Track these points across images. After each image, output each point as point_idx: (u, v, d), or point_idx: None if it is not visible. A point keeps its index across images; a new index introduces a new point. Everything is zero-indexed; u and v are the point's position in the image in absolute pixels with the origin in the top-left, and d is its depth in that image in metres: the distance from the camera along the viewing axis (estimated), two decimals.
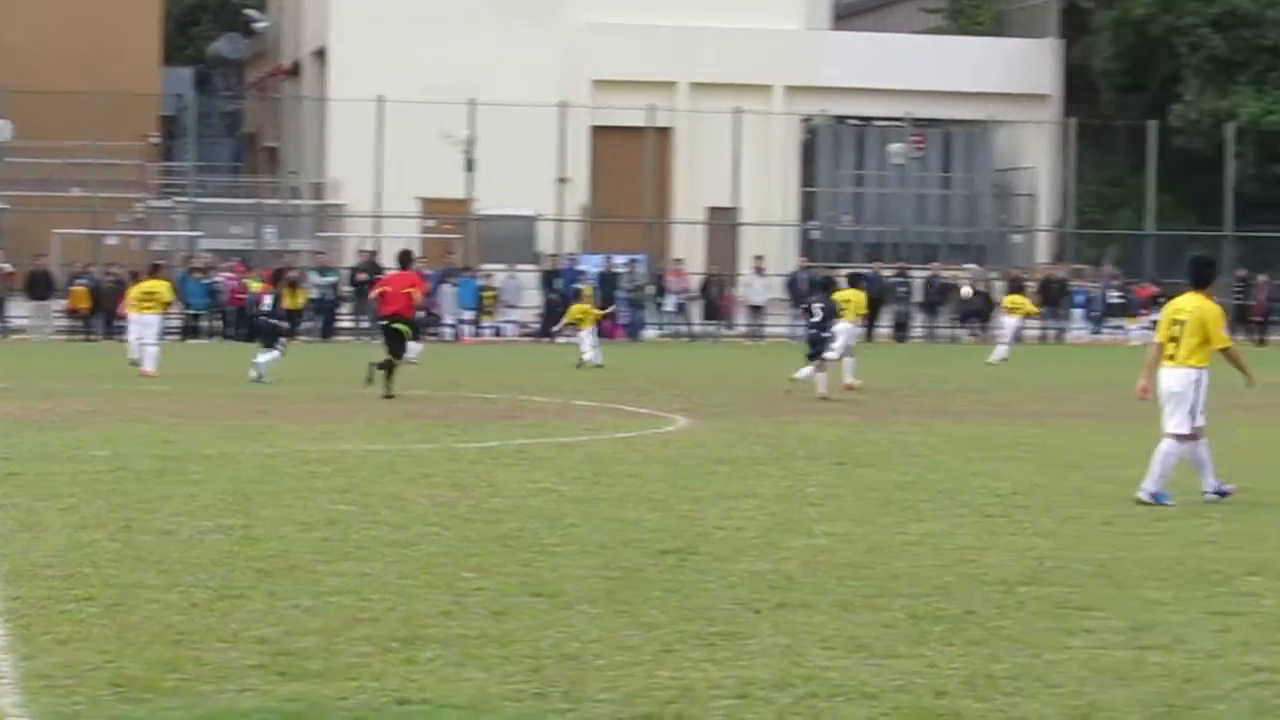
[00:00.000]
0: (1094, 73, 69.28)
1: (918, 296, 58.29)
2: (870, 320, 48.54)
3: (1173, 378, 16.46)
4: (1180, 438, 16.37)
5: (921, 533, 14.49)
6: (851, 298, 32.72)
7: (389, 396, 28.51)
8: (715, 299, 57.10)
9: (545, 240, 60.47)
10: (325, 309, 53.68)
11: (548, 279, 55.83)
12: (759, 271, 57.57)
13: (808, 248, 63.30)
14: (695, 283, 57.43)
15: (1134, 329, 57.90)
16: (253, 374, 32.52)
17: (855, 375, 31.92)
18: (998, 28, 74.20)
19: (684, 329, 57.28)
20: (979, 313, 57.88)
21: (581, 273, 55.13)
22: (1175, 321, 16.56)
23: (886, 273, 57.48)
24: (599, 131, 62.96)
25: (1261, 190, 65.85)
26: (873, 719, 8.68)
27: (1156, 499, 16.29)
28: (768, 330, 57.22)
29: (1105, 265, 62.67)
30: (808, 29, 67.79)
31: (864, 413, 27.15)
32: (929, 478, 18.40)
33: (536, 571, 12.48)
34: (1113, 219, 66.97)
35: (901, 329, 57.42)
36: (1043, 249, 67.49)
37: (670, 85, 64.06)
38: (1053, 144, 67.86)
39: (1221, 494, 16.54)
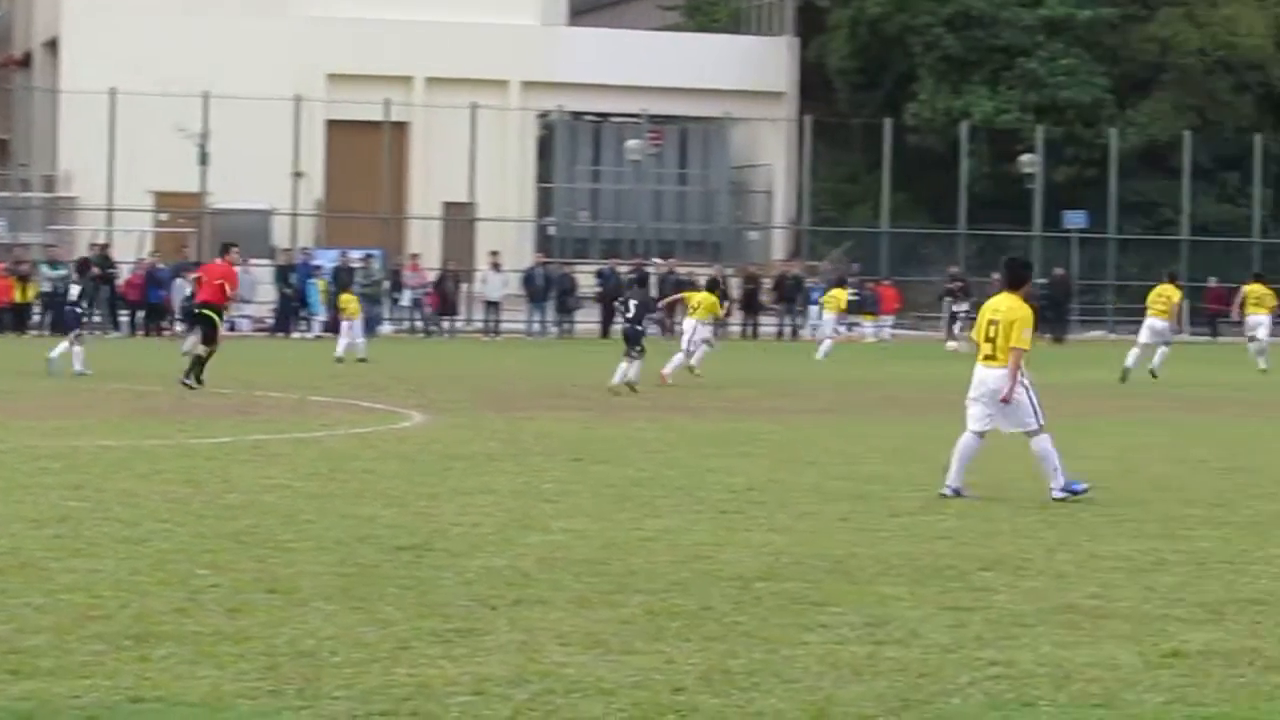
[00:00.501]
0: (830, 71, 70.20)
1: (654, 293, 58.54)
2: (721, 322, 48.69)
3: (994, 378, 16.70)
4: (1032, 433, 16.65)
5: (658, 529, 14.54)
6: (704, 300, 34.85)
7: (192, 385, 29.01)
8: (450, 294, 56.93)
9: (280, 235, 59.81)
10: (56, 302, 52.54)
11: (282, 274, 55.23)
12: (495, 267, 57.47)
13: (544, 244, 63.35)
14: (431, 277, 57.20)
15: (868, 327, 58.82)
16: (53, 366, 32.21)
17: (698, 366, 33.99)
18: (734, 25, 74.87)
19: (419, 324, 57.04)
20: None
21: (317, 268, 54.67)
22: (990, 321, 16.86)
23: (623, 269, 57.68)
24: (334, 126, 62.45)
25: (994, 189, 67.24)
26: (609, 715, 8.67)
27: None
28: (504, 326, 57.15)
29: (830, 262, 63.44)
30: (544, 25, 67.80)
31: (600, 409, 27.21)
32: (665, 474, 18.48)
33: (271, 568, 12.33)
34: (848, 216, 67.94)
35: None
36: (779, 246, 68.24)
37: (406, 80, 63.76)
38: (789, 141, 68.59)
39: (1073, 492, 16.64)
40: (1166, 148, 68.53)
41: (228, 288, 31.27)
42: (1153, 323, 38.62)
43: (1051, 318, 58.60)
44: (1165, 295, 38.73)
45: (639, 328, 31.12)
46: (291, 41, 61.89)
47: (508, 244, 61.00)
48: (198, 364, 29.81)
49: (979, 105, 66.92)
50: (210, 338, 30.16)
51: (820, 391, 32.05)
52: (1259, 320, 41.82)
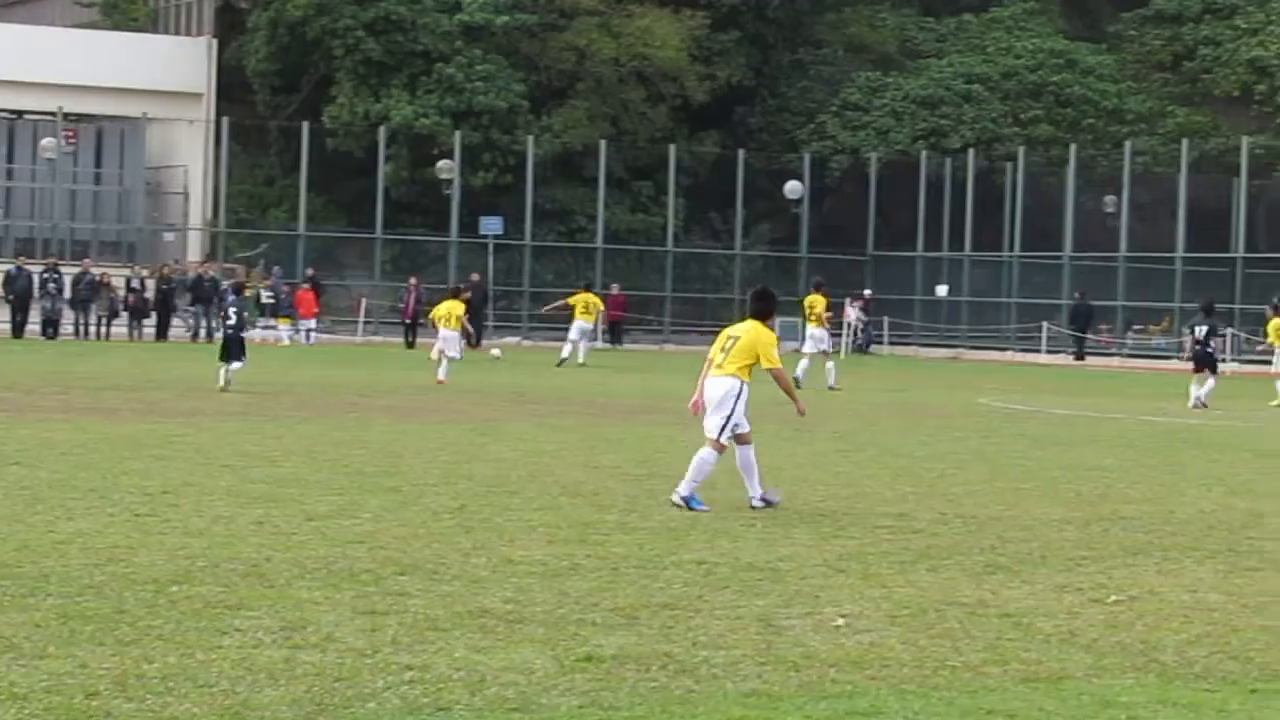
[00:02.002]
0: (249, 73, 69.53)
1: (68, 293, 57.02)
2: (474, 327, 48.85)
3: (717, 386, 17.18)
4: (716, 445, 17.02)
5: (72, 531, 14.17)
6: (453, 309, 37.95)
7: None
8: None
9: None
10: None
11: None
12: None
13: None
14: None
15: (283, 330, 58.38)
16: None
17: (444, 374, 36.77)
18: (153, 25, 73.46)
19: None
20: (136, 310, 57.25)
21: None
22: (730, 337, 17.54)
23: (36, 268, 55.97)
24: None
25: (413, 193, 67.67)
26: None
27: (689, 503, 16.84)
28: None
29: (248, 263, 62.95)
30: None
31: (13, 409, 26.39)
32: (80, 476, 18.02)
33: None
34: (265, 219, 67.43)
35: (51, 326, 56.00)
36: (194, 247, 67.24)
37: None
38: (206, 143, 67.67)
39: (768, 502, 17.13)
40: (582, 156, 70.10)
41: None
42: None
43: (469, 322, 59.31)
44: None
45: (241, 334, 33.02)
46: None
47: None
48: None
49: (398, 109, 67.21)
50: None
51: (237, 395, 31.63)
52: (817, 333, 41.30)
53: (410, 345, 57.74)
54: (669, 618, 11.47)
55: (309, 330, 59.60)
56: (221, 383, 31.98)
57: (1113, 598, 12.59)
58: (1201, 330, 38.43)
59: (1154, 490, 20.05)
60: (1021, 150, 70.63)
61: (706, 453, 17.10)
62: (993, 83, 75.52)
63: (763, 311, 17.81)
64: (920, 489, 19.42)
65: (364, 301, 64.71)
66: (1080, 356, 64.08)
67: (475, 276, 61.97)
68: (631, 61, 71.53)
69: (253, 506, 16.17)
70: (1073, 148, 69.12)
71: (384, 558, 13.45)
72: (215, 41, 69.52)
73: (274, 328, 58.43)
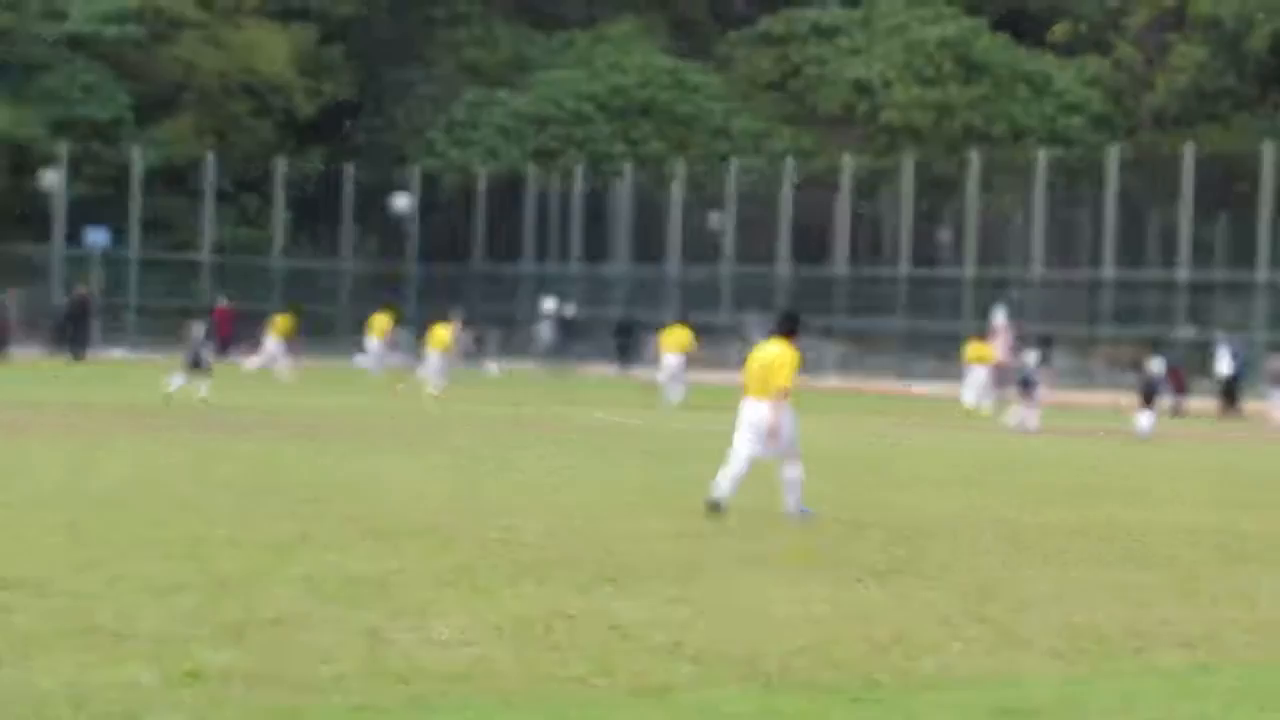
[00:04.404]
0: None
1: None
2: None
3: (760, 411, 18.83)
4: (795, 457, 18.91)
5: None
6: (379, 321, 42.38)
7: None
8: None
9: None
10: None
11: None
12: None
13: None
14: None
15: None
16: None
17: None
18: None
19: None
20: None
21: None
22: (760, 362, 18.95)
23: None
24: None
25: (14, 204, 65.92)
26: None
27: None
28: None
29: None
30: None
31: None
32: None
33: None
34: None
35: None
36: None
37: None
38: None
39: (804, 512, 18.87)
40: (188, 168, 69.02)
41: None
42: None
43: (73, 335, 57.99)
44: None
45: (203, 353, 36.39)
46: None
47: None
48: None
49: None
50: None
51: None
52: (672, 359, 45.10)
53: None
54: (276, 633, 11.34)
55: None
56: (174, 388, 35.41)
57: (719, 610, 12.79)
58: (1034, 356, 39.92)
59: (767, 503, 20.43)
60: (629, 167, 71.57)
61: (791, 470, 18.92)
62: (601, 101, 76.42)
63: (789, 331, 19.23)
64: (534, 503, 19.52)
65: None
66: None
67: (81, 289, 60.55)
68: (239, 74, 70.67)
69: None
70: (679, 164, 70.31)
71: None
72: None
73: None
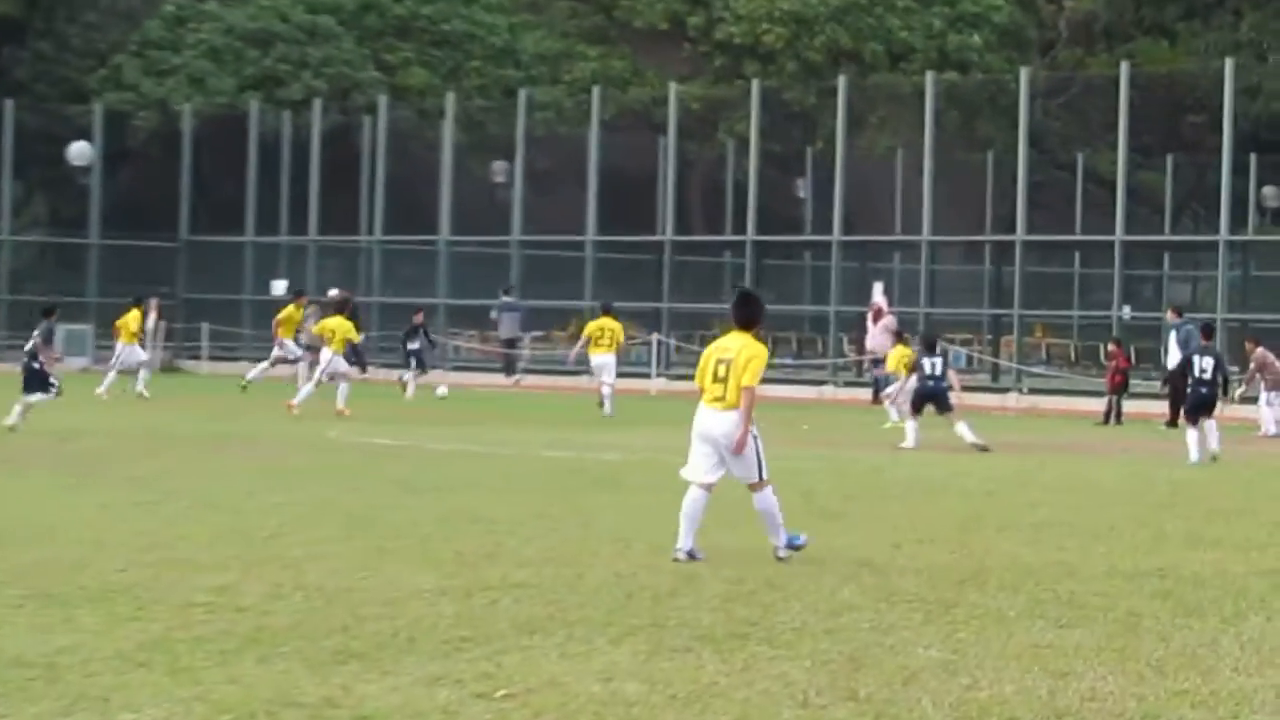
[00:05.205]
0: None
1: None
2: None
3: (723, 422, 19.35)
4: (764, 486, 19.53)
5: None
6: (337, 327, 45.47)
7: None
8: None
9: None
10: None
11: None
12: None
13: None
14: None
15: None
16: None
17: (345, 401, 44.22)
18: None
19: None
20: None
21: None
22: (720, 360, 19.44)
23: None
24: None
25: None
26: None
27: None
28: None
29: None
30: None
31: None
32: None
33: None
34: None
35: None
36: None
37: None
38: None
39: (794, 546, 19.45)
40: None
41: None
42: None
43: None
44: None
45: (35, 364, 37.37)
46: None
47: None
48: None
49: None
50: None
51: None
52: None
53: None
54: None
55: None
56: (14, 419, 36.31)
57: (501, 692, 12.75)
58: (935, 364, 39.95)
59: (558, 548, 20.40)
60: (384, 101, 71.31)
61: (763, 497, 19.53)
62: (346, 15, 76.16)
63: (751, 320, 19.75)
64: (250, 553, 19.38)
65: None
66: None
67: None
68: None
69: None
70: (450, 98, 70.16)
71: None
72: None
73: None
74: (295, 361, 53.54)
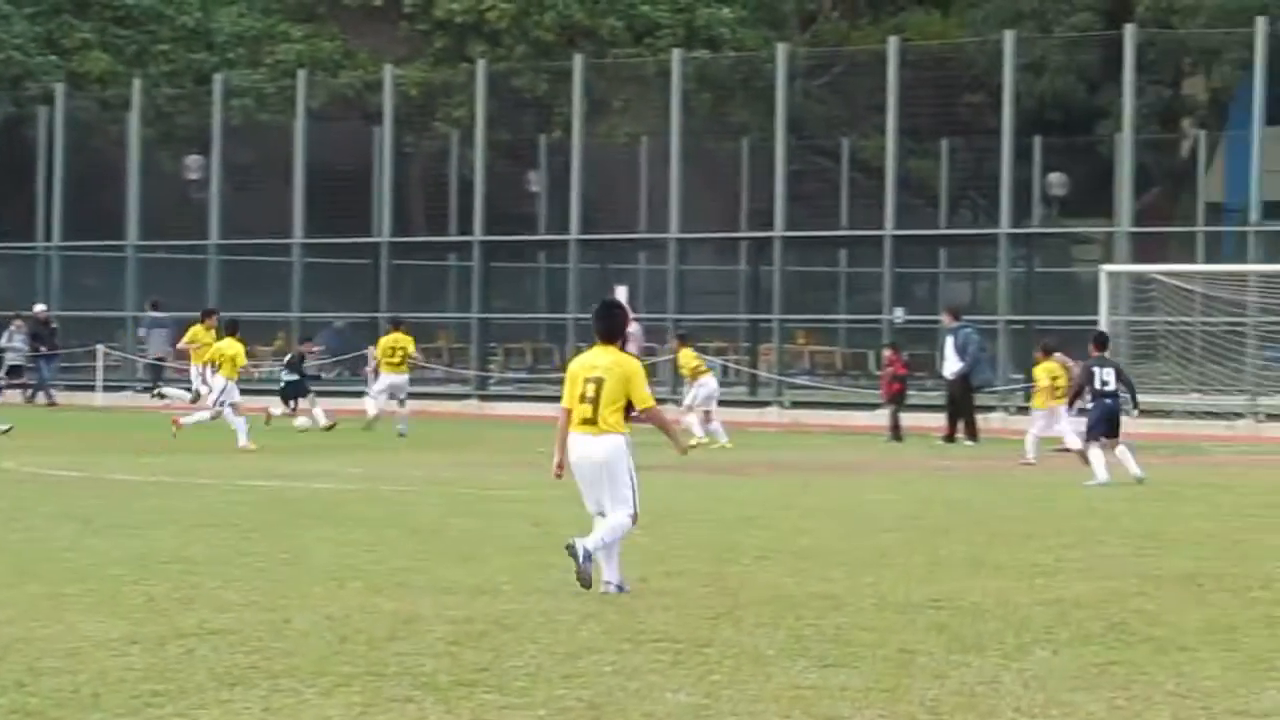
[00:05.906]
0: None
1: None
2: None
3: (596, 447, 19.73)
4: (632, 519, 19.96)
5: None
6: (229, 350, 46.78)
7: None
8: None
9: None
10: None
11: None
12: None
13: None
14: None
15: None
16: None
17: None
18: None
19: None
20: None
21: None
22: (589, 380, 19.70)
23: None
24: None
25: None
26: None
27: (621, 589, 19.87)
28: None
29: None
30: None
31: None
32: None
33: None
34: None
35: None
36: None
37: None
38: None
39: (620, 589, 20.01)
40: None
41: None
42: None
43: None
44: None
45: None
46: None
47: None
48: None
49: None
50: None
51: None
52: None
53: None
54: None
55: None
56: None
57: None
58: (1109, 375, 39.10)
59: (262, 590, 20.31)
60: (61, 90, 70.69)
61: (612, 517, 19.76)
62: None
63: (614, 331, 20.15)
64: None
65: None
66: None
67: None
68: None
69: None
70: (136, 85, 69.66)
71: None
72: None
73: None
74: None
